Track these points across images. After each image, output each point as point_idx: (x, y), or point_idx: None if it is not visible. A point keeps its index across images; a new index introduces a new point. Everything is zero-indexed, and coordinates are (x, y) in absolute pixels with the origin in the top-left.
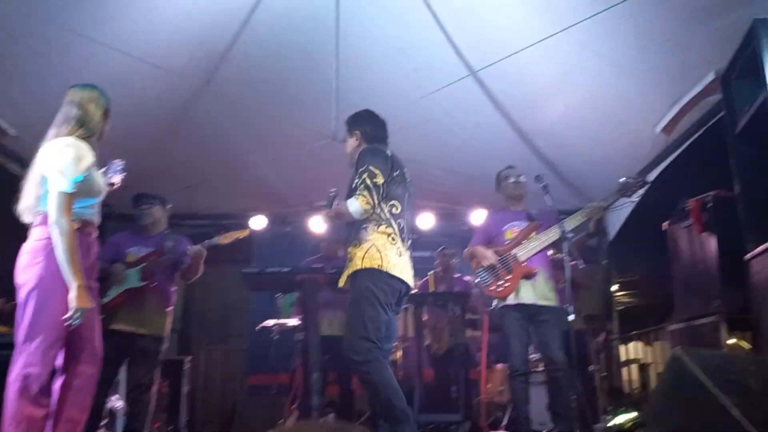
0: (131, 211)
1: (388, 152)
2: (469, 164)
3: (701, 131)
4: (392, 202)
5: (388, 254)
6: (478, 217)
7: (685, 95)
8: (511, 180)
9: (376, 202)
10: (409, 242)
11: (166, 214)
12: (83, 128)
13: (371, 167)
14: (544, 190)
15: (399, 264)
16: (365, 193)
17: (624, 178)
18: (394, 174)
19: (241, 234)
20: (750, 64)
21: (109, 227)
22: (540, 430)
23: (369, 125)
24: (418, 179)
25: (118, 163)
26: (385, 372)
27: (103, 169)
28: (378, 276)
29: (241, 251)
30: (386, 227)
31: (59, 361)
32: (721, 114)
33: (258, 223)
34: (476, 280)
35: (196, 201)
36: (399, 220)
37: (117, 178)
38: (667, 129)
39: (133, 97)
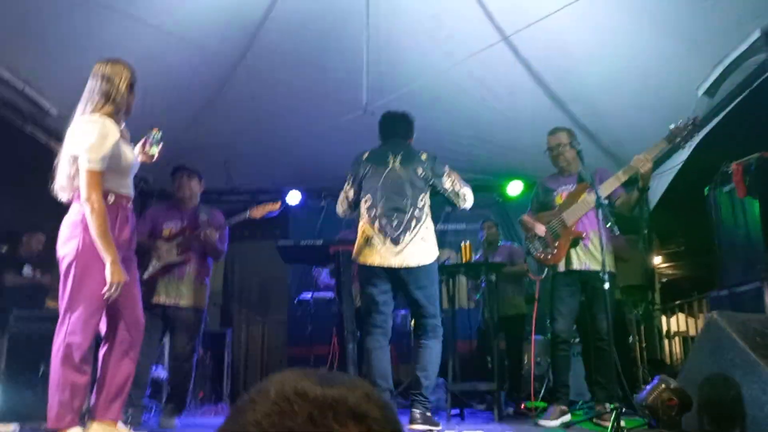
0: (171, 187)
1: (366, 153)
2: (504, 134)
3: (746, 93)
4: (366, 197)
5: (361, 244)
6: (513, 188)
7: (729, 55)
8: (554, 153)
9: (344, 208)
10: (394, 222)
11: (201, 189)
12: (109, 103)
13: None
14: (578, 156)
15: (364, 251)
16: (340, 198)
17: (673, 124)
18: (363, 172)
19: (273, 207)
20: None
21: (150, 204)
22: (576, 401)
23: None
24: (450, 151)
25: (156, 133)
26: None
27: (142, 141)
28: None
29: (278, 226)
30: (362, 222)
31: (103, 329)
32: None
33: (293, 197)
34: (527, 250)
35: (232, 176)
36: (371, 211)
37: (155, 149)
38: (710, 91)
39: (170, 72)
